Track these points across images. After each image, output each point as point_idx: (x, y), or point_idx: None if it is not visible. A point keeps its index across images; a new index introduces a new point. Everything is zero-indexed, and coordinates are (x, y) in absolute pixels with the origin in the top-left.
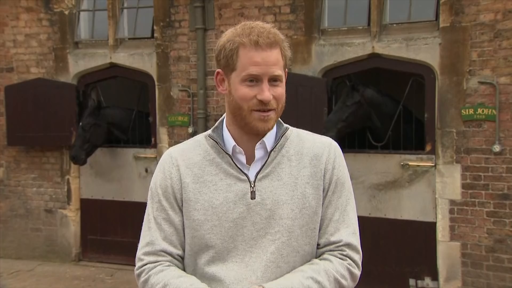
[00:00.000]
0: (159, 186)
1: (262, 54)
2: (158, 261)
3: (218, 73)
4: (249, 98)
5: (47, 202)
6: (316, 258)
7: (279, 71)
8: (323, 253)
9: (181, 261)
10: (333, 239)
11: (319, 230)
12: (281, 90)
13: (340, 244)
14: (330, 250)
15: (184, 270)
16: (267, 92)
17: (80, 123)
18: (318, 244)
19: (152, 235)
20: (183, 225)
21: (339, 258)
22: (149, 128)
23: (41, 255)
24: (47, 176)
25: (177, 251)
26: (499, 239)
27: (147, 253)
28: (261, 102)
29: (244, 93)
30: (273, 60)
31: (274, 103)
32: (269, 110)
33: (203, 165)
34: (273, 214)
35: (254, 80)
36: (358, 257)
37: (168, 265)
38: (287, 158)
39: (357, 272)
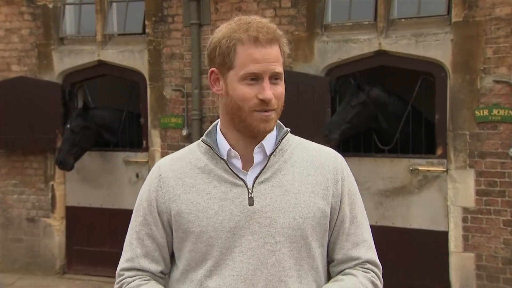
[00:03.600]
0: (144, 199)
1: (262, 50)
2: (137, 275)
3: (212, 72)
4: (250, 98)
5: (29, 210)
6: (331, 274)
7: (280, 68)
8: (342, 270)
9: (163, 278)
10: (352, 254)
11: (335, 244)
12: (281, 88)
13: (360, 261)
14: (349, 268)
15: (165, 286)
16: (268, 91)
17: (68, 125)
18: (332, 260)
19: (133, 251)
20: (169, 241)
21: (362, 271)
22: (140, 131)
23: (22, 268)
24: (30, 182)
25: (158, 268)
26: None
27: (127, 269)
28: (263, 101)
29: (244, 93)
30: (274, 57)
31: (275, 102)
32: (270, 110)
33: (194, 174)
34: (273, 222)
35: (254, 78)
36: (379, 271)
37: (148, 279)
38: (290, 164)
39: (380, 285)
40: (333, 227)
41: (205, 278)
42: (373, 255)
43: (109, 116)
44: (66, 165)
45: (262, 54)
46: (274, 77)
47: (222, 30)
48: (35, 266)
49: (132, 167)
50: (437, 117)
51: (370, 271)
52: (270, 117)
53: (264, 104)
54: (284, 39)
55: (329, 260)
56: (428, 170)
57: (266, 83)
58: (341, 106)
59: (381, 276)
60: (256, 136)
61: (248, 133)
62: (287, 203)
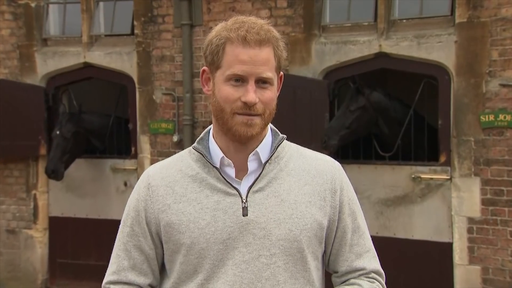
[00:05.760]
0: (132, 209)
1: (250, 51)
2: None
3: (204, 71)
4: (232, 100)
5: (10, 221)
6: (334, 284)
7: (268, 73)
8: (347, 280)
9: None
10: (357, 266)
11: (338, 256)
12: (270, 94)
13: (365, 271)
14: (354, 278)
15: None
16: (252, 94)
17: (58, 131)
18: (336, 272)
19: (119, 263)
20: (158, 253)
21: (368, 281)
22: (128, 136)
23: (2, 283)
24: (10, 192)
25: (147, 280)
26: None
27: (113, 282)
28: (245, 104)
29: (227, 94)
30: (262, 60)
31: (260, 108)
32: (253, 115)
33: (185, 182)
34: (268, 233)
35: (239, 80)
36: (383, 280)
37: None
38: (286, 173)
39: None
40: (334, 238)
41: None
42: (377, 264)
43: (97, 121)
44: (58, 175)
45: (250, 55)
46: (261, 81)
47: (217, 28)
48: (15, 280)
49: (120, 175)
50: (440, 122)
51: (375, 280)
52: (253, 122)
53: (247, 107)
54: (280, 43)
55: (332, 272)
56: (431, 178)
57: (251, 86)
58: (340, 110)
59: (385, 285)
60: (242, 142)
61: (232, 137)
62: (283, 214)
